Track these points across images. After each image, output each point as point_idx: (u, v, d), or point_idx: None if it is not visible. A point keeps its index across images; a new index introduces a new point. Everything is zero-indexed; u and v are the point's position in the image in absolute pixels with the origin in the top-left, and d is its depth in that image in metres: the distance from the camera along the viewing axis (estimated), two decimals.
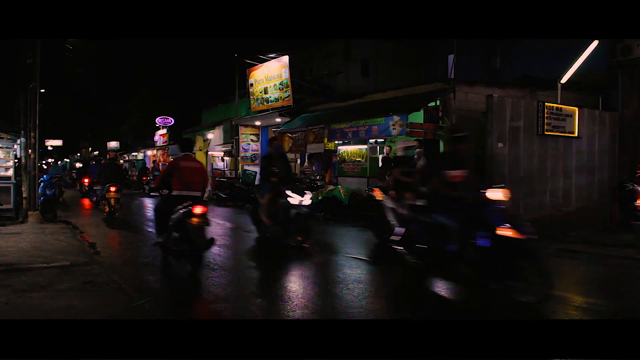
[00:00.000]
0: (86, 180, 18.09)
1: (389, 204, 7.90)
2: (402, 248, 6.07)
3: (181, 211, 5.95)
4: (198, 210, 5.85)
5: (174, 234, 6.14)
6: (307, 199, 8.10)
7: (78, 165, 52.13)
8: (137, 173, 24.70)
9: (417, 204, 6.00)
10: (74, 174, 31.20)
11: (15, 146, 12.20)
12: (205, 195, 7.08)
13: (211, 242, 6.11)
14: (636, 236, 8.25)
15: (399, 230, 6.31)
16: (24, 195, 11.23)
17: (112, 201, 11.50)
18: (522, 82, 13.41)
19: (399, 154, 8.65)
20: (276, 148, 9.08)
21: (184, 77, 35.57)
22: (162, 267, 6.59)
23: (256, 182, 15.37)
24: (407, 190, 7.40)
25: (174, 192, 6.26)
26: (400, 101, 12.61)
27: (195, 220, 5.84)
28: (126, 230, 10.91)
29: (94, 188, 15.20)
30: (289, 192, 8.01)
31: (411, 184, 7.31)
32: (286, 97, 17.25)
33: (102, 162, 15.95)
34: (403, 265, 6.11)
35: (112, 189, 11.44)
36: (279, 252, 7.82)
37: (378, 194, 8.35)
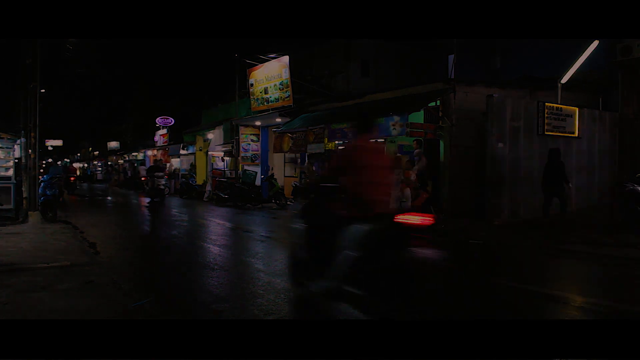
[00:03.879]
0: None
1: None
2: None
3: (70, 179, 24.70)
4: (72, 178, 25.40)
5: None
6: None
7: (77, 165, 52.08)
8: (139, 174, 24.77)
9: None
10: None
11: (15, 146, 12.20)
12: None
13: (75, 188, 24.67)
14: (636, 236, 8.25)
15: None
16: (24, 195, 11.23)
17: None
18: (522, 82, 13.41)
19: None
20: None
21: (184, 77, 35.53)
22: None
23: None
24: None
25: (68, 175, 24.63)
26: (400, 101, 12.59)
27: (71, 180, 24.75)
28: (126, 230, 10.91)
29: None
30: None
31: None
32: (286, 97, 17.24)
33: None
34: None
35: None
36: (278, 251, 7.81)
37: None
